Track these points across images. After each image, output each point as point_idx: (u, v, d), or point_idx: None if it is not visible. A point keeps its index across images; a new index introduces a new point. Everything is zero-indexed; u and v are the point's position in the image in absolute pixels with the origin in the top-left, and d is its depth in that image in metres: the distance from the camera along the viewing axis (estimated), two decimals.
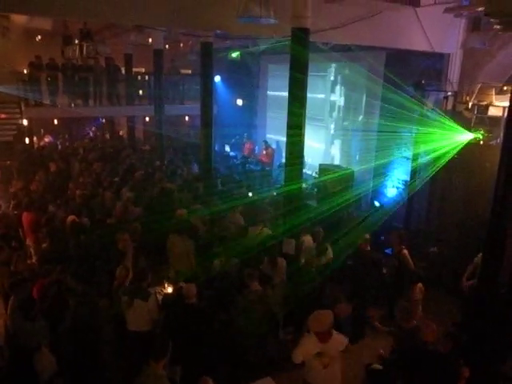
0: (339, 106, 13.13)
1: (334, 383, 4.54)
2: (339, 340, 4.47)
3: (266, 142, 14.87)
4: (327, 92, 13.28)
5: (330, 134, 13.48)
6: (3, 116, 13.98)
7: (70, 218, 7.46)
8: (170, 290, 6.10)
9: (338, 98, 13.08)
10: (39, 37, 16.82)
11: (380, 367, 4.86)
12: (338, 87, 13.00)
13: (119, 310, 5.30)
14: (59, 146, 15.63)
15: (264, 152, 14.58)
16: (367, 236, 6.84)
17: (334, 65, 12.83)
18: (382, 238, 9.11)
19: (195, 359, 4.88)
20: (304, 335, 4.58)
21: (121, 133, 18.37)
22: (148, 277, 5.40)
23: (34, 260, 7.34)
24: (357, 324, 6.50)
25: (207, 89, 10.67)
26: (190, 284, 5.23)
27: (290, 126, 7.14)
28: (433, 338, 4.50)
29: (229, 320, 5.43)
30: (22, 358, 4.57)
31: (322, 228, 7.49)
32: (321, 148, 13.68)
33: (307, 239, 7.25)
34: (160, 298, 5.77)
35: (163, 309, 5.36)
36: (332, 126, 13.36)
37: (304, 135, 7.19)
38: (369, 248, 6.77)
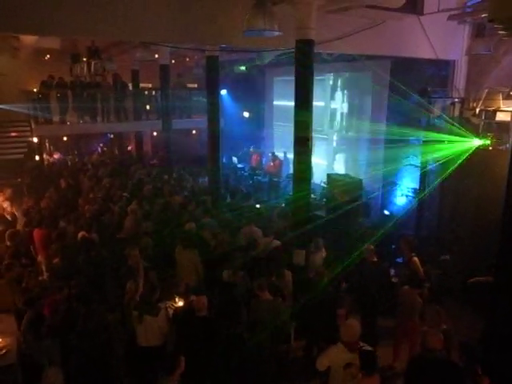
0: (342, 114, 12.74)
1: None
2: (366, 348, 4.49)
3: (273, 153, 14.93)
4: (327, 99, 12.79)
5: (331, 146, 13.06)
6: (14, 134, 14.21)
7: (81, 233, 7.51)
8: (180, 303, 6.08)
9: (340, 105, 12.62)
10: (48, 56, 17.13)
11: (371, 348, 4.81)
12: (338, 93, 12.55)
13: (130, 326, 5.28)
14: (69, 163, 15.81)
15: (272, 163, 14.62)
16: (371, 247, 6.78)
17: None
18: (393, 246, 9.02)
19: (207, 372, 4.83)
20: (331, 346, 4.57)
21: (129, 148, 18.55)
22: (157, 291, 5.38)
23: (45, 276, 7.38)
24: (368, 335, 6.42)
25: (214, 102, 10.74)
26: (200, 296, 5.22)
27: (297, 138, 7.15)
28: (440, 346, 4.41)
29: (240, 332, 5.38)
30: (33, 375, 4.57)
31: (331, 238, 7.45)
32: (323, 160, 13.30)
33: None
34: (171, 312, 5.76)
35: (174, 323, 5.34)
36: (334, 138, 12.92)
37: (311, 146, 7.19)
38: (375, 258, 6.70)
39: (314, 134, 10.94)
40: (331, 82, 12.80)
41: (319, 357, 4.56)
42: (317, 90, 11.31)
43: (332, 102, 12.90)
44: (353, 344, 4.39)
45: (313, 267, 6.84)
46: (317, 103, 11.22)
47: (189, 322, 5.10)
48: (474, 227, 8.24)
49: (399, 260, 8.54)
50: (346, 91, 12.53)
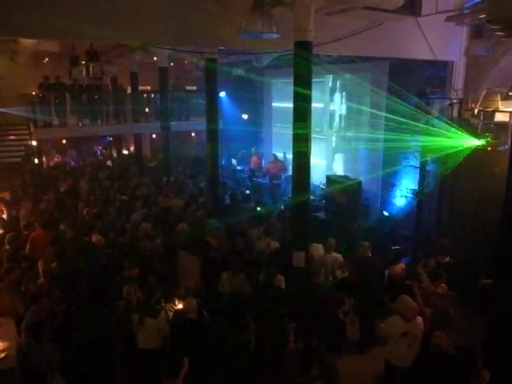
0: (340, 115, 12.73)
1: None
2: (420, 320, 4.87)
3: (274, 155, 14.89)
4: (326, 101, 12.82)
5: (331, 146, 13.09)
6: (12, 137, 14.21)
7: (79, 236, 7.50)
8: (180, 306, 6.06)
9: (339, 106, 12.61)
10: (47, 59, 17.14)
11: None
12: (337, 94, 12.56)
13: (123, 328, 5.25)
14: (68, 166, 15.78)
15: (273, 164, 14.57)
16: (366, 243, 6.85)
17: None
18: (393, 248, 8.99)
19: (202, 376, 4.81)
20: (390, 317, 4.98)
21: (130, 149, 18.57)
22: (156, 294, 5.36)
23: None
24: (364, 333, 6.49)
25: (212, 104, 10.75)
26: (190, 299, 5.20)
27: (295, 139, 7.14)
28: (444, 342, 4.50)
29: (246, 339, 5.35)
30: (32, 380, 4.55)
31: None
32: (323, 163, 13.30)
33: (316, 249, 7.23)
34: (171, 314, 5.73)
35: (173, 325, 5.32)
36: (333, 138, 12.99)
37: (310, 148, 7.18)
38: (370, 254, 6.79)
39: (313, 135, 10.88)
40: (330, 84, 12.80)
41: (380, 326, 5.01)
42: (316, 92, 11.36)
43: (331, 103, 12.90)
44: (410, 317, 4.71)
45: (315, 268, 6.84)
46: (316, 105, 11.26)
47: (178, 324, 5.10)
48: (474, 228, 8.23)
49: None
50: (344, 93, 12.50)
